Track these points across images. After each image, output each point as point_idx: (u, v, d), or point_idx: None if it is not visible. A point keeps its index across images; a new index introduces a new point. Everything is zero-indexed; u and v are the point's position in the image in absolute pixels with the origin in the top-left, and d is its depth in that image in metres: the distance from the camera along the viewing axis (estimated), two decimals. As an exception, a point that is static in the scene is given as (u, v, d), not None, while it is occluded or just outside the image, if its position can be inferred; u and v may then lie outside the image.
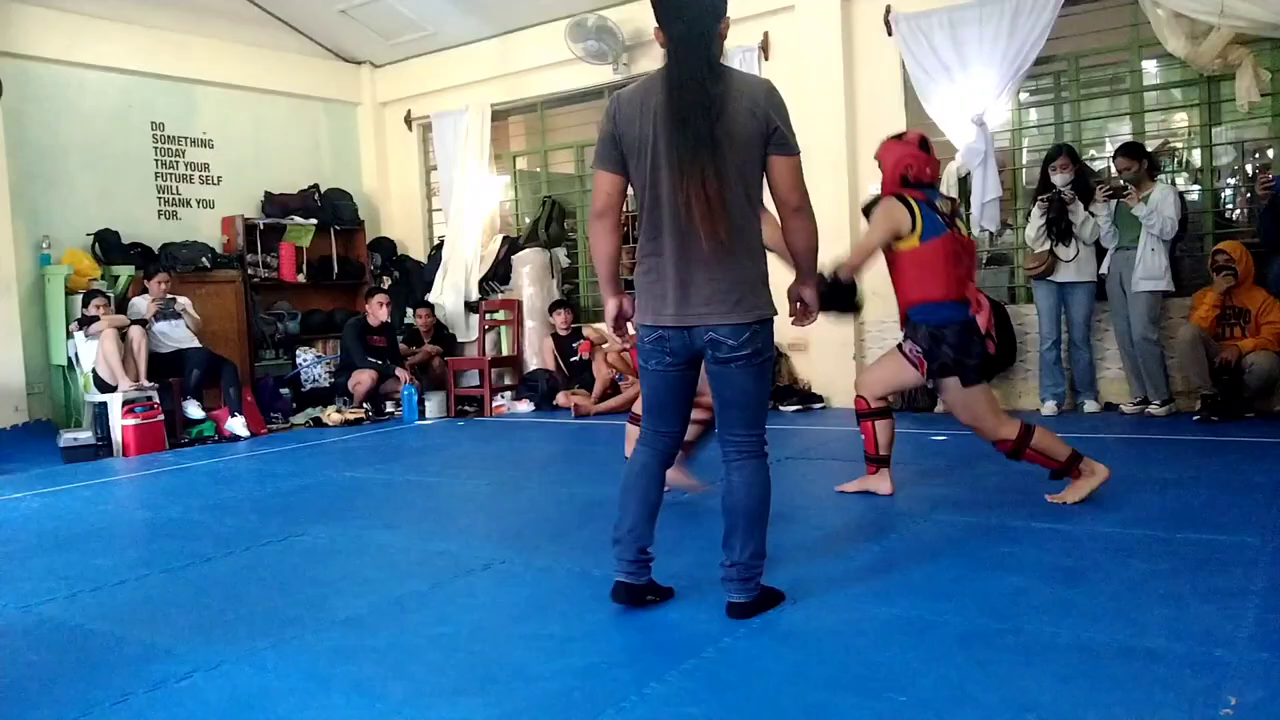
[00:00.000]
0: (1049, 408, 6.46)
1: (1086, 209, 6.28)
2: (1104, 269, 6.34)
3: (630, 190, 2.81)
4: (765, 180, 2.72)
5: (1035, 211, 6.42)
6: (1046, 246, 6.35)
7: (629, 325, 2.93)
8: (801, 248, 2.77)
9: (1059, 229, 6.31)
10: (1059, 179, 6.28)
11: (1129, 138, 6.63)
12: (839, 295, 3.73)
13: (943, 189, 7.05)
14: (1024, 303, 6.96)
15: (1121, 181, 6.12)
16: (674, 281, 2.67)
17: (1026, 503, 3.98)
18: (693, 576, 3.12)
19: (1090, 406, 6.46)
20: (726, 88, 2.60)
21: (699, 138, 2.55)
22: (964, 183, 6.99)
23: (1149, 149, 6.48)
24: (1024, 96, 7.30)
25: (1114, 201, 6.22)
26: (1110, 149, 6.99)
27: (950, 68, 6.81)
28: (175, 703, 2.45)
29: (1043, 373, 6.54)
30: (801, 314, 2.92)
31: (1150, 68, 7.11)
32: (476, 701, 2.36)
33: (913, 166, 3.98)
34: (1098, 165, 7.38)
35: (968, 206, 7.00)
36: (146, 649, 2.85)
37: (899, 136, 4.17)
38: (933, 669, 2.40)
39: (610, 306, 2.87)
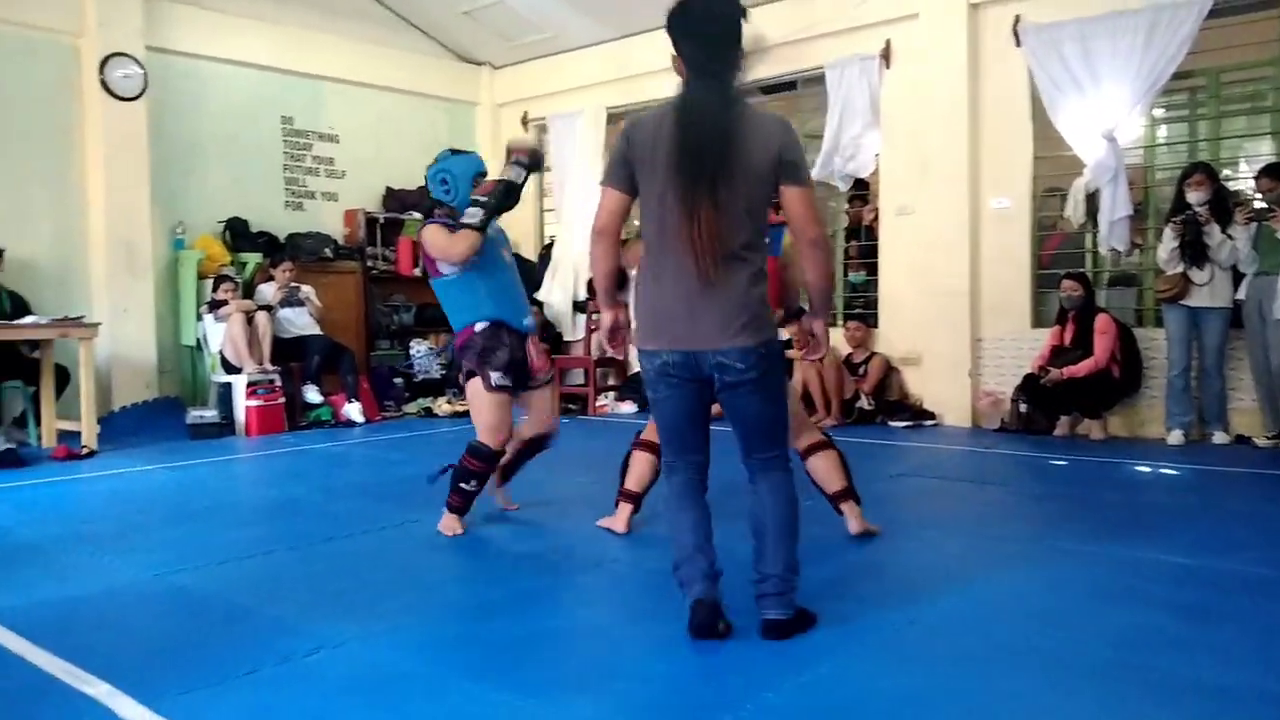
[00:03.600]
0: (1175, 437, 6.19)
1: (1224, 231, 6.00)
2: (1240, 294, 6.06)
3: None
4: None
5: (1168, 232, 6.15)
6: (1179, 269, 6.08)
7: (627, 343, 2.91)
8: (816, 280, 2.77)
9: (1193, 251, 6.03)
10: (1194, 197, 6.01)
11: (1271, 158, 6.32)
12: None
13: (1069, 205, 6.87)
14: (1152, 326, 6.69)
15: (1266, 204, 5.83)
16: (680, 306, 2.67)
17: (1154, 536, 3.83)
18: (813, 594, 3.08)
19: (1220, 438, 6.16)
20: (741, 120, 2.62)
21: (706, 170, 2.58)
22: (1092, 199, 6.76)
23: (1293, 171, 6.17)
24: (1157, 112, 7.03)
25: (1254, 225, 5.94)
26: (1246, 169, 6.69)
27: (1080, 81, 6.59)
28: (303, 676, 2.53)
29: (1170, 400, 6.26)
30: (813, 348, 2.96)
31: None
32: (594, 697, 2.38)
33: None
34: (1235, 186, 7.06)
35: (1095, 225, 6.77)
36: (274, 623, 2.96)
37: None
38: (1062, 702, 2.33)
39: (606, 317, 2.90)
